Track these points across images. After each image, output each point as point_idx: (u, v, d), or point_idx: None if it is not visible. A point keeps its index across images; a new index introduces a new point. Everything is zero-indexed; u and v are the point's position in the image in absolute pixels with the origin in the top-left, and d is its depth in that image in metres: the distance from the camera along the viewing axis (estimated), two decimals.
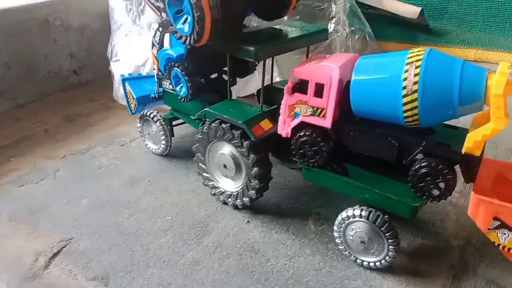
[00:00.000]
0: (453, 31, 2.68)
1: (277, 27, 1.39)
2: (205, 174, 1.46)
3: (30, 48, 2.18)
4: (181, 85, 1.46)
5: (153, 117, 1.66)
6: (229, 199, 1.42)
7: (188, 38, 1.21)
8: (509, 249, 0.97)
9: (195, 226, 1.35)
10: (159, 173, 1.63)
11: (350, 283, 1.16)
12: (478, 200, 0.97)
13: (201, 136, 1.40)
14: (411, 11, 2.58)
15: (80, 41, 2.36)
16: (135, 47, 2.07)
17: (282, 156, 1.51)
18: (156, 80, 1.62)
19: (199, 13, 1.14)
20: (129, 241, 1.29)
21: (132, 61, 2.05)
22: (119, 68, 2.09)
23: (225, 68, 1.60)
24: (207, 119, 1.37)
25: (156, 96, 1.66)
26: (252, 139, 1.26)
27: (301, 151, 1.21)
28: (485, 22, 2.59)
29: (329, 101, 1.13)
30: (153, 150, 1.74)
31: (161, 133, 1.66)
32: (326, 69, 1.13)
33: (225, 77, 1.63)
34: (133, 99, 1.68)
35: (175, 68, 1.43)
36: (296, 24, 1.42)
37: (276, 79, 2.13)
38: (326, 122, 1.15)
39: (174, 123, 1.72)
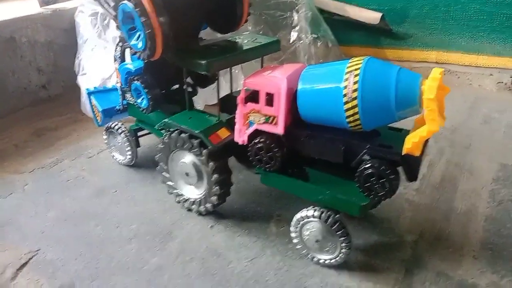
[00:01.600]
0: (414, 35, 2.78)
1: (231, 39, 1.46)
2: (169, 183, 1.52)
3: None
4: (142, 97, 1.51)
5: (118, 128, 1.71)
6: (193, 206, 1.47)
7: (142, 54, 1.27)
8: None
9: (159, 233, 1.40)
10: (125, 183, 1.68)
11: (307, 281, 1.22)
12: None
13: (162, 146, 1.45)
14: (373, 17, 2.68)
15: (47, 56, 2.39)
16: (100, 60, 2.11)
17: (246, 162, 1.57)
18: (120, 93, 1.67)
19: (149, 30, 1.20)
20: (94, 250, 1.33)
21: (98, 75, 2.09)
22: (86, 81, 2.12)
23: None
24: (168, 129, 1.43)
25: (121, 109, 1.71)
26: (210, 147, 1.32)
27: (257, 157, 1.27)
28: (444, 25, 2.70)
29: (280, 109, 1.20)
30: (120, 161, 1.78)
31: (126, 144, 1.71)
32: (275, 80, 1.20)
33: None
34: (99, 111, 1.73)
35: (135, 82, 1.48)
36: (249, 37, 1.49)
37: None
38: (278, 129, 1.22)
39: (140, 133, 1.76)
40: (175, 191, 1.51)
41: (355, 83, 1.08)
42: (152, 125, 1.68)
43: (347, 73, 1.10)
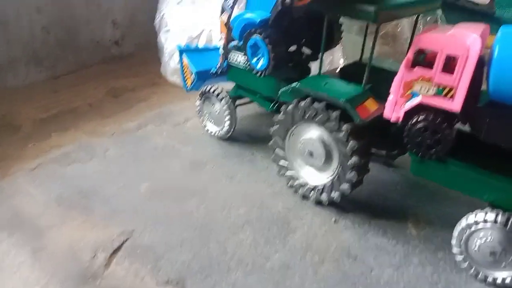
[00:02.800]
0: None
1: None
2: (282, 162, 1.26)
3: (71, 11, 1.97)
4: (259, 56, 1.25)
5: (218, 94, 1.45)
6: (311, 193, 1.22)
7: None
8: None
9: (275, 222, 1.15)
10: (222, 158, 1.43)
11: None
12: None
13: (283, 117, 1.20)
14: None
15: (125, 8, 2.14)
16: (188, 16, 1.86)
17: (383, 146, 1.29)
18: (222, 52, 1.41)
19: None
20: (202, 235, 1.09)
21: (184, 32, 1.85)
22: (170, 40, 1.88)
23: (304, 40, 1.40)
24: (288, 100, 1.17)
25: (218, 72, 1.45)
26: (356, 121, 1.05)
27: (418, 139, 1.00)
28: None
29: (463, 79, 0.91)
30: (214, 133, 1.53)
31: (225, 113, 1.46)
32: (464, 38, 0.92)
33: (305, 50, 1.42)
34: (191, 73, 1.48)
35: (256, 35, 1.22)
36: None
37: (340, 61, 1.91)
38: (455, 105, 0.93)
39: (237, 102, 1.51)
40: (289, 173, 1.26)
41: None
42: (257, 92, 1.43)
43: None
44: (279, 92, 1.20)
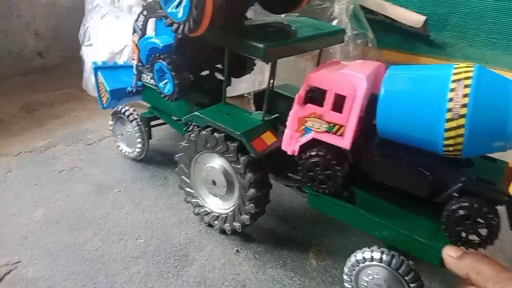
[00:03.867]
0: (454, 45, 2.54)
1: (286, 22, 1.17)
2: (188, 189, 1.24)
3: None
4: (165, 81, 1.23)
5: (129, 115, 1.41)
6: (216, 222, 1.20)
7: (182, 26, 0.98)
8: None
9: (173, 254, 1.12)
10: (132, 182, 1.39)
11: None
12: None
13: (187, 145, 1.17)
14: (416, 19, 2.41)
15: (48, 19, 2.06)
16: (111, 31, 1.81)
17: (278, 170, 1.29)
18: (135, 72, 1.38)
19: None
20: (91, 269, 1.04)
21: (107, 47, 1.79)
22: (92, 53, 1.82)
23: (218, 66, 1.39)
24: (196, 125, 1.15)
25: (133, 91, 1.42)
26: (252, 155, 1.04)
27: (310, 173, 1.00)
28: (488, 38, 2.46)
29: (351, 117, 0.92)
30: (126, 154, 1.49)
31: (137, 134, 1.42)
32: (351, 78, 0.93)
33: (218, 75, 1.41)
34: (106, 91, 1.43)
35: (161, 61, 1.19)
36: (306, 22, 1.21)
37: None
38: (345, 142, 0.94)
39: (152, 123, 1.47)
40: (194, 200, 1.23)
41: (464, 96, 0.81)
42: (170, 115, 1.40)
43: (454, 81, 0.83)
44: (183, 118, 1.18)
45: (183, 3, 0.95)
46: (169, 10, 1.00)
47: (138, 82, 1.40)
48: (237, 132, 1.04)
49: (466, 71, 0.85)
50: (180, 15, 0.97)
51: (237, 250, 1.16)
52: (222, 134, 1.08)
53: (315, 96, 0.98)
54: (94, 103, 1.86)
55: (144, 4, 1.27)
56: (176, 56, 1.18)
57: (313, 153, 0.99)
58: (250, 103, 1.87)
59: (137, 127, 1.41)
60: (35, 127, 1.65)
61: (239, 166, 1.07)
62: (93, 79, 1.84)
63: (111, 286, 1.00)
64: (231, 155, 1.07)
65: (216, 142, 1.09)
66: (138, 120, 1.41)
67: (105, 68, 1.49)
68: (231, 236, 1.19)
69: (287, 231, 1.25)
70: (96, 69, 1.47)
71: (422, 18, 2.40)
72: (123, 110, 1.42)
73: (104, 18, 1.86)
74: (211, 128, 1.10)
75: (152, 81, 1.33)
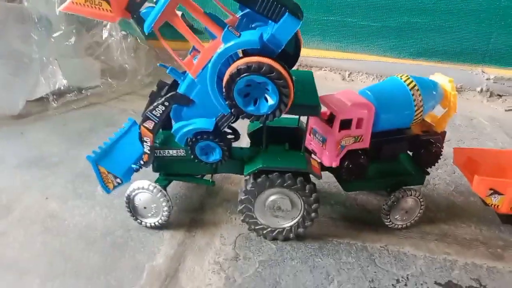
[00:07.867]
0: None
1: None
2: (252, 221, 1.53)
3: None
4: (210, 152, 1.45)
5: (153, 188, 1.50)
6: (279, 235, 1.55)
7: (271, 115, 1.28)
8: (497, 206, 1.50)
9: None
10: None
11: None
12: (481, 179, 1.48)
13: (247, 193, 1.46)
14: None
15: None
16: None
17: None
18: (148, 152, 1.46)
19: (282, 80, 1.21)
20: None
21: None
22: None
23: None
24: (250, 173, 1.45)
25: (141, 168, 1.51)
26: (318, 179, 1.48)
27: (350, 171, 1.53)
28: None
29: (367, 129, 1.49)
30: (153, 223, 1.57)
31: (163, 200, 1.52)
32: (362, 107, 1.47)
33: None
34: (115, 177, 1.48)
35: (204, 140, 1.40)
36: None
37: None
38: (365, 144, 1.52)
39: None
40: (258, 226, 1.55)
41: (419, 94, 1.52)
42: (191, 175, 1.62)
43: (411, 89, 1.52)
44: (247, 172, 1.46)
45: (270, 93, 1.24)
46: (249, 108, 1.28)
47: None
48: (303, 169, 1.44)
49: (410, 82, 1.53)
50: (271, 102, 1.25)
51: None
52: (289, 174, 1.43)
53: (343, 124, 1.47)
54: None
55: (168, 97, 1.36)
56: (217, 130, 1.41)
57: (353, 157, 1.51)
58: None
59: (160, 193, 1.51)
60: None
61: (306, 192, 1.46)
62: None
63: None
64: (298, 186, 1.46)
65: (284, 180, 1.43)
66: (160, 188, 1.51)
67: (101, 156, 1.48)
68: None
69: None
70: (94, 161, 1.45)
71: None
72: (145, 186, 1.50)
73: None
74: (277, 171, 1.43)
75: (174, 153, 1.50)
